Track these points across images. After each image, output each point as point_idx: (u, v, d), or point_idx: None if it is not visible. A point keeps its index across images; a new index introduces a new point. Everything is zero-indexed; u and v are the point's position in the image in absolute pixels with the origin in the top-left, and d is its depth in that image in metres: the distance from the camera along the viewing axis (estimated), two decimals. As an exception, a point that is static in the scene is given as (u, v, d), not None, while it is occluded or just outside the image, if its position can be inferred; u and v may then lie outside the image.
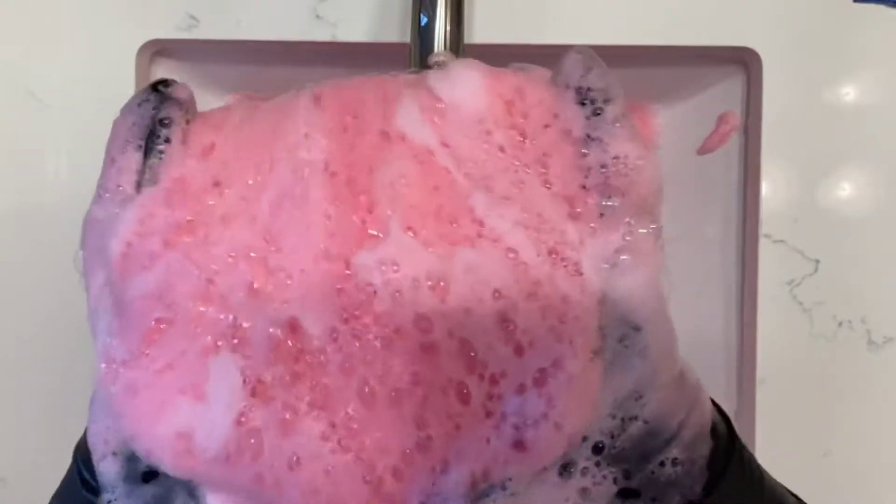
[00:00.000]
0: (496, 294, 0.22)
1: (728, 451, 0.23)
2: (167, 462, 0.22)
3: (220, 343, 0.22)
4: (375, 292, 0.22)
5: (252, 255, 0.23)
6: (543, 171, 0.23)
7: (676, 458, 0.22)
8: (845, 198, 0.43)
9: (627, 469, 0.22)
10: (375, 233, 0.22)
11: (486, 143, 0.23)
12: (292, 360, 0.22)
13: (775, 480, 0.25)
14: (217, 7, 0.42)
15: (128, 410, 0.22)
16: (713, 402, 0.24)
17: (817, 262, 0.43)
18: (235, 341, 0.22)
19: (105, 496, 0.23)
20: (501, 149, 0.23)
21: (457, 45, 0.36)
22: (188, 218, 0.23)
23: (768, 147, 0.42)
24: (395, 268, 0.22)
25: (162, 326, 0.23)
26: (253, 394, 0.22)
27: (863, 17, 0.42)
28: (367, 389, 0.22)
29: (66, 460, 0.25)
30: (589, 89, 0.23)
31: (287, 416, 0.22)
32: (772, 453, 0.43)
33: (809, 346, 0.43)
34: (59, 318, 0.43)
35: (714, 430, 0.23)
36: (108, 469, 0.23)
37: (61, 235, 0.42)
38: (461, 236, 0.22)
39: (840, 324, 0.43)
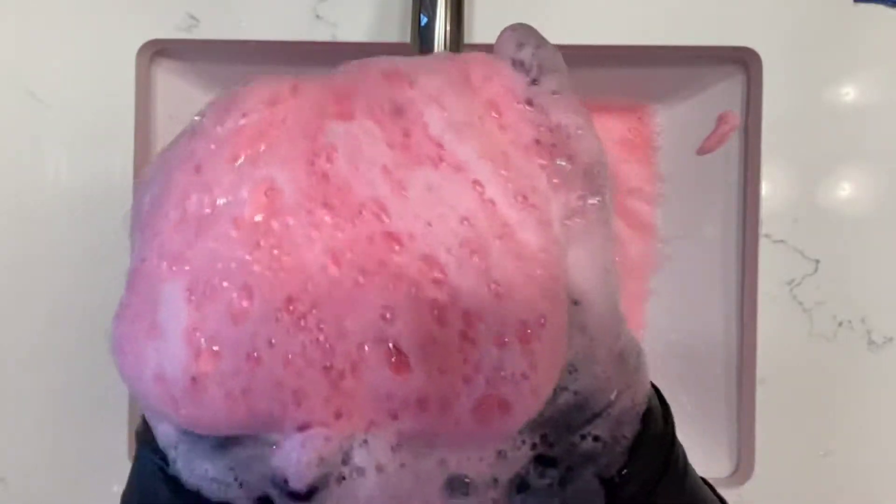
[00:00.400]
0: (463, 221, 0.20)
1: (659, 442, 0.23)
2: (173, 414, 0.21)
3: (173, 267, 0.21)
4: (337, 155, 0.21)
5: (255, 115, 0.22)
6: (497, 116, 0.22)
7: (598, 436, 0.21)
8: (845, 198, 0.43)
9: (547, 436, 0.21)
10: (343, 121, 0.22)
11: (430, 72, 0.22)
12: (254, 228, 0.21)
13: (706, 488, 0.24)
14: (217, 7, 0.42)
15: (122, 371, 0.21)
16: (659, 397, 0.24)
17: (817, 262, 0.43)
18: (198, 238, 0.21)
19: (170, 456, 0.22)
20: (450, 82, 0.22)
21: (457, 45, 0.36)
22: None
23: (768, 147, 0.42)
24: (357, 144, 0.21)
25: (143, 266, 0.21)
26: (198, 308, 0.20)
27: (863, 17, 0.42)
28: (331, 264, 0.20)
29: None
30: (522, 63, 0.23)
31: (243, 304, 0.20)
32: (772, 453, 0.43)
33: (809, 346, 0.43)
34: (58, 318, 0.43)
35: (646, 417, 0.22)
36: (166, 430, 0.22)
37: (61, 235, 0.42)
38: (421, 154, 0.21)
39: (840, 324, 0.43)
